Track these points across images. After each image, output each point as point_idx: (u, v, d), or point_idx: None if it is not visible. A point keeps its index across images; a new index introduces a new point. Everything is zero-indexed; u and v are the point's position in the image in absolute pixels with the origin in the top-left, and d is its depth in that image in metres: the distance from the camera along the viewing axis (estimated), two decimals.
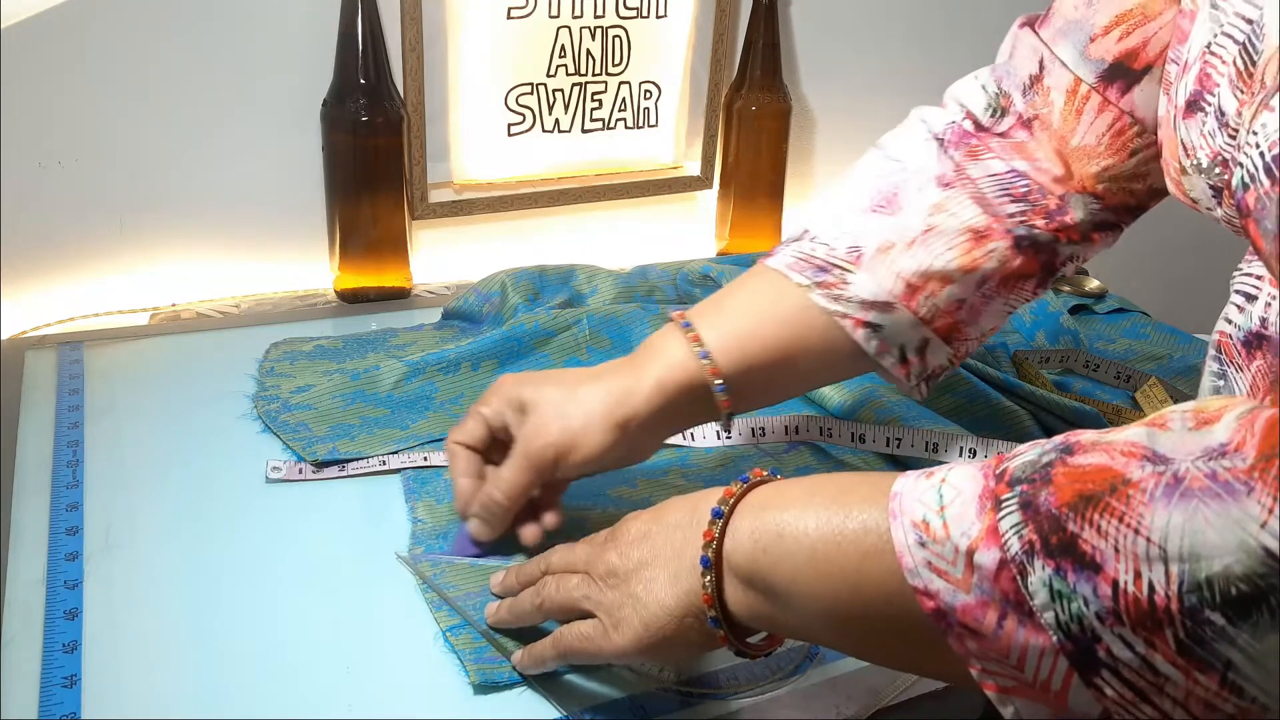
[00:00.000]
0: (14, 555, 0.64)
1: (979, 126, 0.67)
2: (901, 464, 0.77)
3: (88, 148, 0.94)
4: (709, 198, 1.22)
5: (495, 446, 0.65)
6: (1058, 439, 0.39)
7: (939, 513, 0.39)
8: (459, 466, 0.64)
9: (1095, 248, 0.67)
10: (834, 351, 0.65)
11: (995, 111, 0.67)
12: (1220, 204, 0.52)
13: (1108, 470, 0.36)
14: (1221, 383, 0.51)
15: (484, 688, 0.56)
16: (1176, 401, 0.81)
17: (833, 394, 0.83)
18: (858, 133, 1.29)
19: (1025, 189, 0.65)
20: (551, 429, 0.62)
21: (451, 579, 0.63)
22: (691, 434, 0.79)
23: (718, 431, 0.80)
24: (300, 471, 0.73)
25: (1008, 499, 0.38)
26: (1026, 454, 0.39)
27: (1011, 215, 0.65)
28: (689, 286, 1.01)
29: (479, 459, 0.65)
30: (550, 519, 0.65)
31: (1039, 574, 0.36)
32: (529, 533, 0.64)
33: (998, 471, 0.39)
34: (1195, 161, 0.52)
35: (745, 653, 0.49)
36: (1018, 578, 0.36)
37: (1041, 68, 0.66)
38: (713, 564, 0.47)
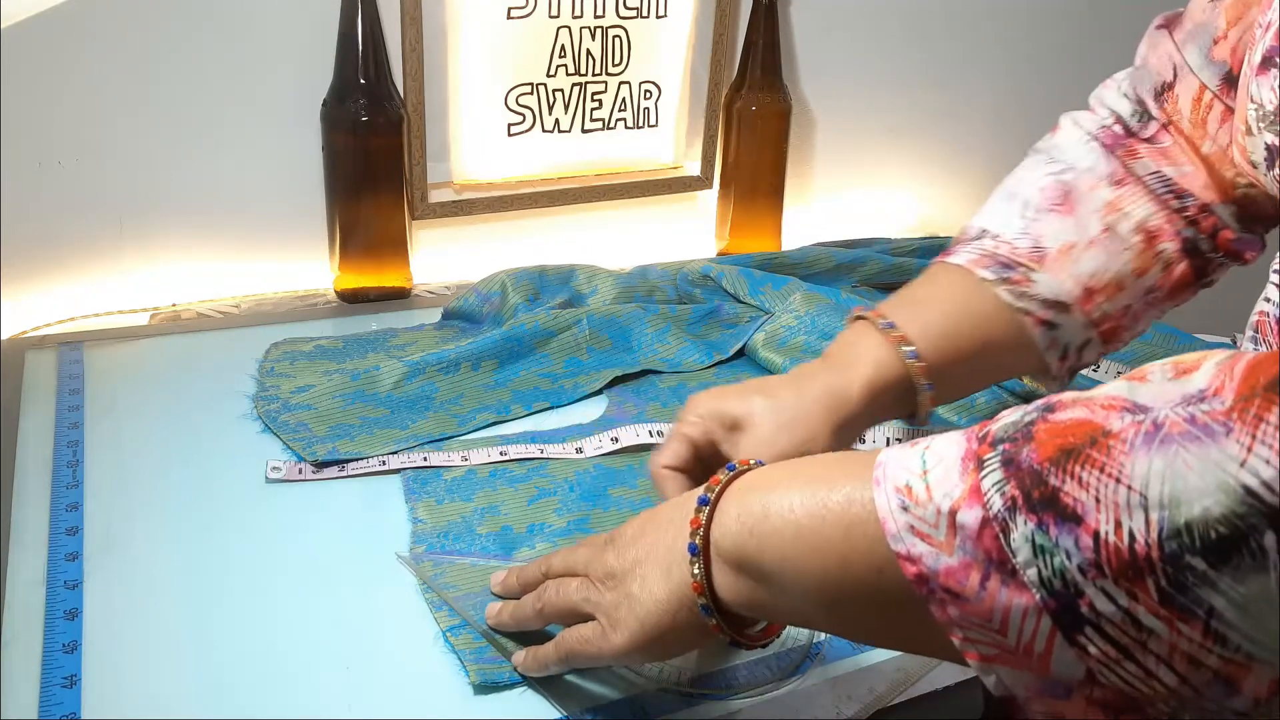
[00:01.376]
0: (14, 555, 0.64)
1: (1128, 131, 0.68)
2: None
3: (88, 148, 0.94)
4: (709, 198, 1.22)
5: (699, 467, 0.63)
6: (1039, 401, 0.39)
7: (921, 476, 0.39)
8: (670, 490, 0.61)
9: (1242, 260, 0.67)
10: (1016, 348, 0.66)
11: (1140, 116, 0.67)
12: (1274, 166, 0.52)
13: (1088, 423, 0.36)
14: None
15: (484, 688, 0.56)
16: None
17: None
18: (858, 133, 1.30)
19: (1182, 192, 0.66)
20: (779, 442, 0.61)
21: (452, 579, 0.63)
22: None
23: None
24: (300, 471, 0.73)
25: (989, 458, 0.37)
26: (1009, 416, 0.39)
27: (1179, 212, 0.65)
28: (689, 286, 1.01)
29: (688, 480, 0.62)
30: None
31: (1021, 529, 0.35)
32: None
33: (980, 434, 0.39)
34: (1261, 112, 0.52)
35: (740, 643, 0.49)
36: (1000, 535, 0.36)
37: (1174, 73, 0.66)
38: (700, 550, 0.46)
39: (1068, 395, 0.38)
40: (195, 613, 0.60)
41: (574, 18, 1.05)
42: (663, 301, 0.99)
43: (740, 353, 0.93)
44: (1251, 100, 0.53)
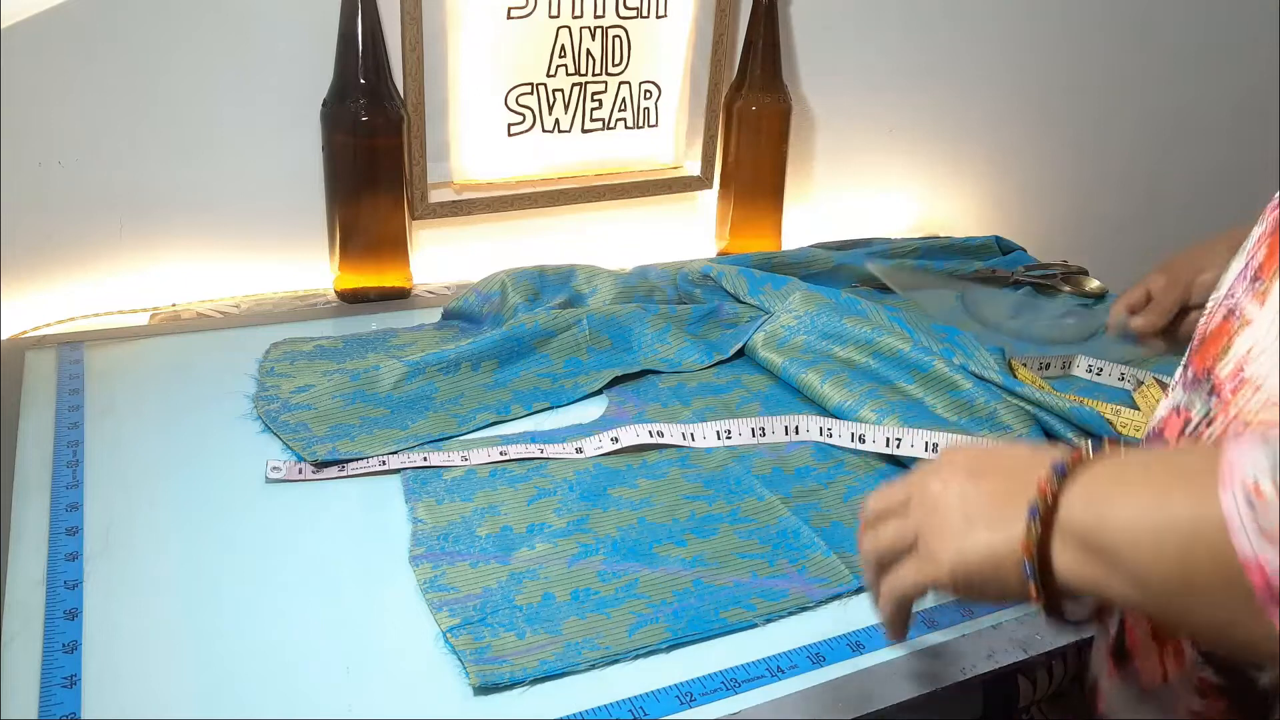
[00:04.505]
0: (14, 555, 0.64)
1: None
2: (902, 464, 0.77)
3: (88, 148, 0.93)
4: (709, 198, 1.22)
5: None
6: None
7: (1269, 472, 0.38)
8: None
9: None
10: None
11: None
12: None
13: None
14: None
15: (484, 688, 0.56)
16: None
17: (833, 394, 0.83)
18: (858, 133, 1.30)
19: None
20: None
21: (452, 579, 0.63)
22: (691, 434, 0.79)
23: (717, 432, 0.80)
24: (300, 471, 0.73)
25: None
26: None
27: None
28: (689, 286, 1.01)
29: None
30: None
31: None
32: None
33: None
34: None
35: (1052, 614, 0.48)
36: None
37: None
38: (1041, 516, 0.46)
39: None
40: (195, 613, 0.60)
41: (574, 18, 1.05)
42: (663, 301, 0.99)
43: (740, 353, 0.93)
44: None
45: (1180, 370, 0.54)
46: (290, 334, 0.93)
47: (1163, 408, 0.54)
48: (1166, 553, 0.41)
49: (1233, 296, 0.51)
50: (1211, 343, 0.51)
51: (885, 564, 0.53)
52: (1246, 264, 0.51)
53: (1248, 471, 0.39)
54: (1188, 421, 0.51)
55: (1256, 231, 0.52)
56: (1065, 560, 0.45)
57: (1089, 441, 0.48)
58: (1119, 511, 0.43)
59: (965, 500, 0.49)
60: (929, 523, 0.50)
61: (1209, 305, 0.53)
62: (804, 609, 0.64)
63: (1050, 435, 0.80)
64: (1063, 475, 0.46)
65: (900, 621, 0.54)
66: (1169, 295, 0.84)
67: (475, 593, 0.62)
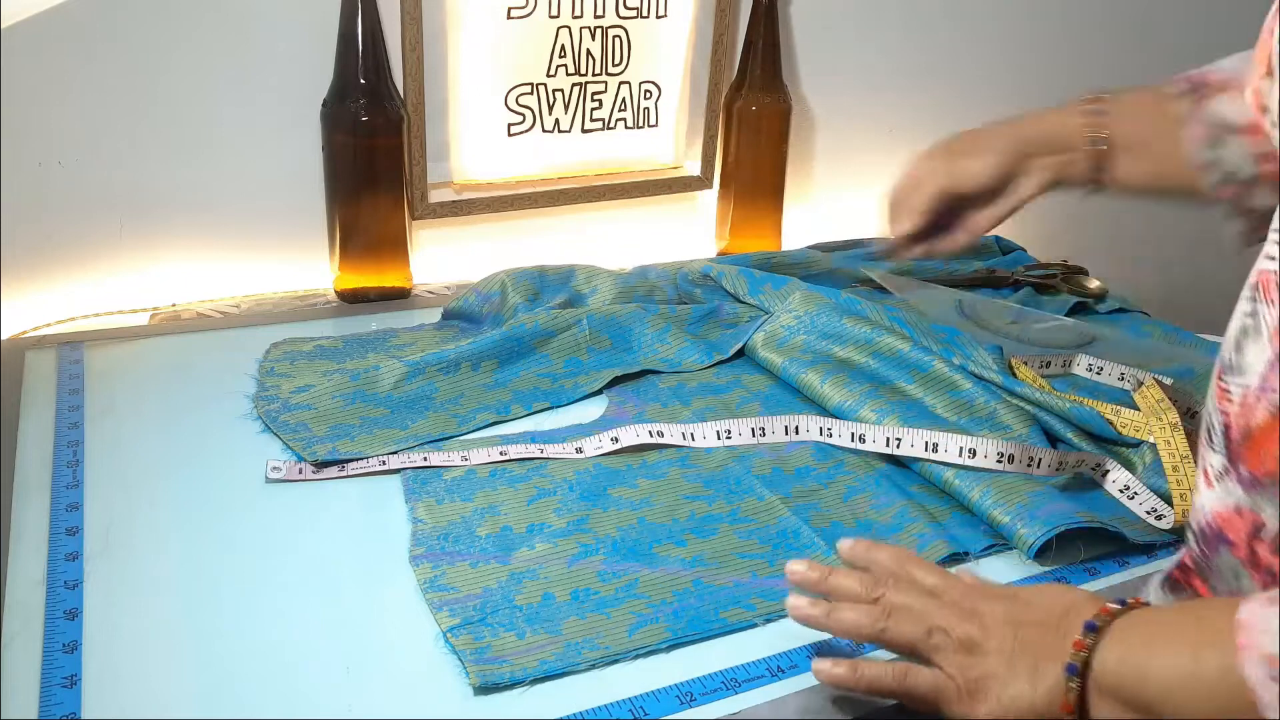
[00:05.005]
0: (14, 555, 0.64)
1: None
2: (902, 463, 0.77)
3: (88, 148, 0.94)
4: (709, 198, 1.22)
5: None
6: None
7: None
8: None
9: None
10: (1177, 156, 0.72)
11: None
12: None
13: None
14: (1251, 320, 0.52)
15: (484, 688, 0.56)
16: (1174, 402, 0.81)
17: (833, 393, 0.83)
18: (858, 133, 1.29)
19: None
20: (991, 143, 0.76)
21: (452, 579, 0.63)
22: (691, 434, 0.79)
23: (717, 432, 0.80)
24: (300, 471, 0.73)
25: None
26: None
27: None
28: (689, 286, 1.01)
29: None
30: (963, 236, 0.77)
31: None
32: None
33: None
34: None
35: None
36: None
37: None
38: (1080, 674, 0.49)
39: None
40: (195, 613, 0.60)
41: (574, 18, 1.05)
42: (663, 301, 0.99)
43: (740, 353, 0.93)
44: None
45: (1222, 461, 0.53)
46: (290, 334, 0.93)
47: (1214, 501, 0.54)
48: (1202, 706, 0.45)
49: (1274, 390, 0.50)
50: (1262, 441, 0.51)
51: (901, 651, 0.55)
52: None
53: (1266, 644, 0.42)
54: (1258, 526, 0.51)
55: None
56: (1103, 712, 0.49)
57: (1114, 600, 0.51)
58: (1154, 669, 0.47)
59: (1002, 653, 0.52)
60: (970, 665, 0.53)
61: (1235, 393, 0.53)
62: None
63: (1050, 435, 0.80)
64: (1095, 632, 0.49)
65: (875, 691, 0.55)
66: (926, 187, 0.77)
67: (475, 593, 0.62)
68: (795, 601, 0.58)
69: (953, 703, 0.53)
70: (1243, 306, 0.53)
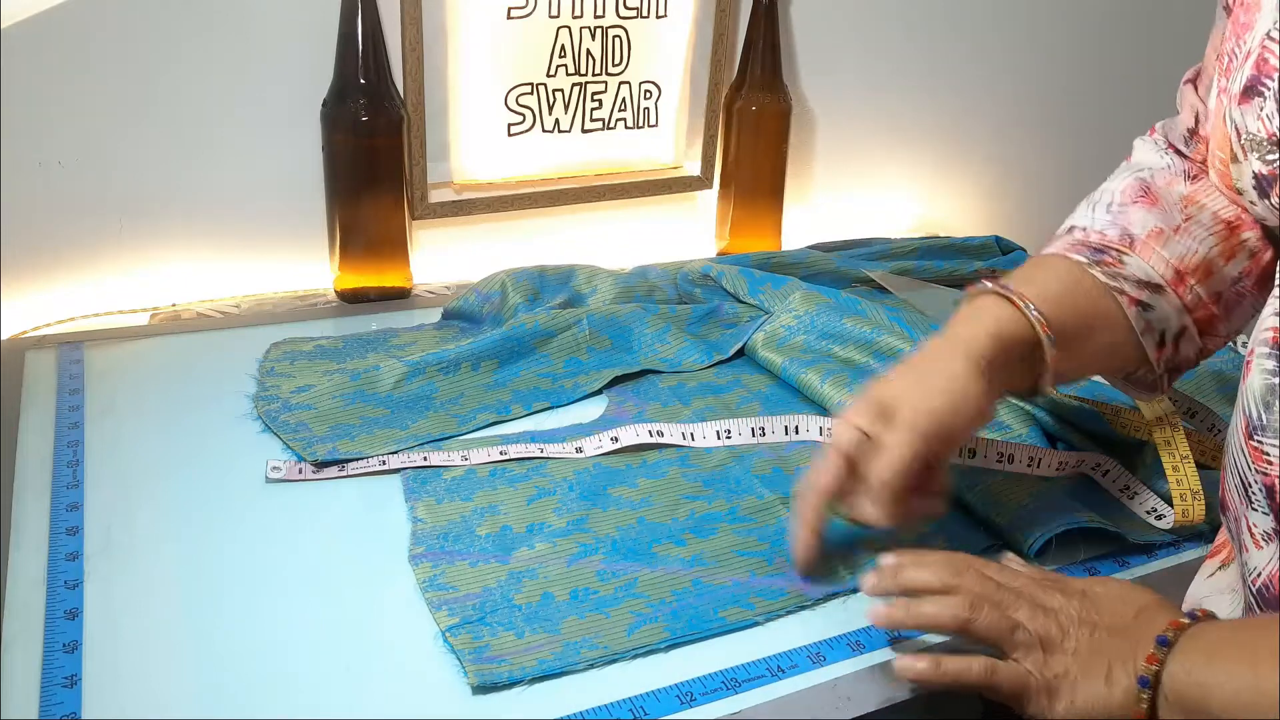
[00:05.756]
0: (14, 555, 0.64)
1: (1182, 156, 0.72)
2: None
3: (88, 148, 0.94)
4: (709, 198, 1.22)
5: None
6: None
7: None
8: (810, 512, 0.63)
9: None
10: (1120, 327, 0.66)
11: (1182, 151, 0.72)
12: (1267, 195, 0.55)
13: None
14: (1277, 379, 0.53)
15: (484, 688, 0.56)
16: (1174, 403, 0.81)
17: (833, 393, 0.83)
18: (858, 133, 1.30)
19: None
20: (934, 401, 0.61)
21: (451, 579, 0.63)
22: (691, 434, 0.79)
23: (717, 432, 0.80)
24: (300, 471, 0.73)
25: None
26: None
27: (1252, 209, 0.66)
28: (689, 286, 1.01)
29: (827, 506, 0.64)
30: (940, 504, 0.65)
31: None
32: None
33: None
34: (1251, 140, 0.54)
35: None
36: None
37: (1196, 121, 0.70)
38: (1151, 686, 0.51)
39: None
40: (195, 613, 0.61)
41: (574, 18, 1.05)
42: (663, 301, 0.99)
43: (740, 353, 0.93)
44: (1235, 130, 0.55)
45: (1270, 523, 0.54)
46: (290, 334, 0.93)
47: (1267, 562, 0.55)
48: (1262, 718, 0.47)
49: None
50: None
51: (981, 642, 0.56)
52: None
53: None
54: None
55: None
56: (1169, 716, 0.51)
57: (1185, 614, 0.53)
58: (1215, 683, 0.49)
59: (1079, 655, 0.54)
60: (1047, 662, 0.54)
61: (1273, 453, 0.53)
62: (803, 608, 0.64)
63: (1050, 435, 0.80)
64: (1166, 647, 0.51)
65: (959, 684, 0.56)
66: (893, 460, 0.61)
67: (474, 592, 0.62)
68: (874, 610, 0.58)
69: (1033, 700, 0.54)
70: (1264, 364, 0.54)
